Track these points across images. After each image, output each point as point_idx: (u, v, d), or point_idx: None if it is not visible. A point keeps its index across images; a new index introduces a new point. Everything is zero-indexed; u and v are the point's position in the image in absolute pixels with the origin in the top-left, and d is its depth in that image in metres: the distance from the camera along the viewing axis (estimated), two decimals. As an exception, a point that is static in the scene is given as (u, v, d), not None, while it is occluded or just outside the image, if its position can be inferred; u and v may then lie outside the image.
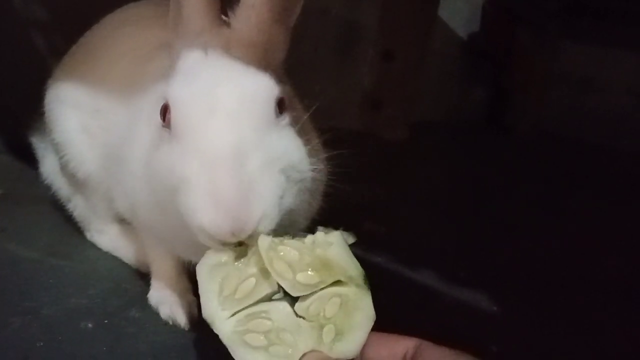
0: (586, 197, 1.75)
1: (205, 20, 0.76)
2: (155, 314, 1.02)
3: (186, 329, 0.99)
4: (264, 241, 0.71)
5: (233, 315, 0.70)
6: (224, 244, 0.70)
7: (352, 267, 0.72)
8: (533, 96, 2.19)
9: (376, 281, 0.74)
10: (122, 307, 1.03)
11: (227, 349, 0.69)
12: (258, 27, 0.75)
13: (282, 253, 0.71)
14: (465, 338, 0.74)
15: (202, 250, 0.73)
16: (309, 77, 0.84)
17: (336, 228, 0.77)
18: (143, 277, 1.09)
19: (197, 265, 0.72)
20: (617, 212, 1.68)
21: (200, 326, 0.99)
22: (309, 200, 0.81)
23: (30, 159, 1.26)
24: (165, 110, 0.75)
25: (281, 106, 0.75)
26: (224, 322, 0.69)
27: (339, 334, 0.70)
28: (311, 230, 0.79)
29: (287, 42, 0.79)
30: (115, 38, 1.04)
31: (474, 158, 1.97)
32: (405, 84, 2.01)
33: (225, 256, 0.72)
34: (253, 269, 0.71)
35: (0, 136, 1.48)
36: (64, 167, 1.10)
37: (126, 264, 1.15)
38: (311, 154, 0.78)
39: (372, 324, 0.71)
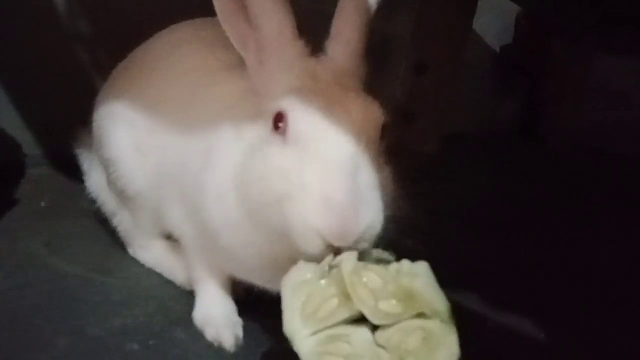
0: (622, 212, 1.72)
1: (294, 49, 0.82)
2: (200, 334, 1.01)
3: (232, 351, 0.98)
4: (348, 264, 0.70)
5: (314, 334, 0.69)
6: (329, 248, 0.72)
7: (438, 301, 0.70)
8: (568, 109, 2.16)
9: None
10: (167, 327, 1.02)
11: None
12: (354, 59, 0.82)
13: (365, 279, 0.70)
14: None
15: (279, 275, 0.74)
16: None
17: (376, 246, 0.76)
18: (187, 295, 1.09)
19: (282, 281, 0.73)
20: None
21: (246, 349, 0.99)
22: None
23: (72, 172, 1.26)
24: (278, 119, 0.78)
25: (384, 132, 0.79)
26: (304, 340, 0.69)
27: None
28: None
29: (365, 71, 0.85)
30: (171, 57, 1.03)
31: (508, 171, 1.94)
32: (439, 96, 1.99)
33: (310, 274, 0.72)
34: (336, 290, 0.70)
35: (43, 149, 1.48)
36: (112, 183, 1.09)
37: (169, 281, 1.14)
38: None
39: None
